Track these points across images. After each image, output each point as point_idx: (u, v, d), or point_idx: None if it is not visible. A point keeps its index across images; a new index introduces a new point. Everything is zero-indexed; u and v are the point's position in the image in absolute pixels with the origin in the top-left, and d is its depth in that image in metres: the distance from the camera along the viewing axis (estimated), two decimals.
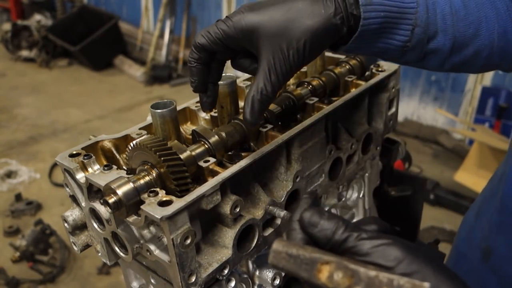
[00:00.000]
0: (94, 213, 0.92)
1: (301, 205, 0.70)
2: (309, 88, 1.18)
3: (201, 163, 0.89)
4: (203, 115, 1.16)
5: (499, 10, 0.87)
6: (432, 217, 3.85)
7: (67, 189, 0.96)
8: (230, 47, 0.84)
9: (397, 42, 0.85)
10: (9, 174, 4.56)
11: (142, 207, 0.76)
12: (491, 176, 1.10)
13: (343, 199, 1.36)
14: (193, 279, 0.83)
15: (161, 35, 7.04)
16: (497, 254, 0.93)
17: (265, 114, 1.05)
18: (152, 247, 0.85)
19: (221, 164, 0.97)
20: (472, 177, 4.10)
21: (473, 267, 1.01)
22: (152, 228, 0.87)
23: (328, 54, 1.40)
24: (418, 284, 0.53)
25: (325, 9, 0.79)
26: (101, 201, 0.80)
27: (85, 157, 0.91)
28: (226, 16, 0.83)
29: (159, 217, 0.73)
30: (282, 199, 1.00)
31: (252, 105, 0.82)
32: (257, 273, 1.09)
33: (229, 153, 1.01)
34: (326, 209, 1.27)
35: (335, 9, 0.79)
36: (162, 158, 0.82)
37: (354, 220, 1.48)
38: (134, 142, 0.89)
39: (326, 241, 0.64)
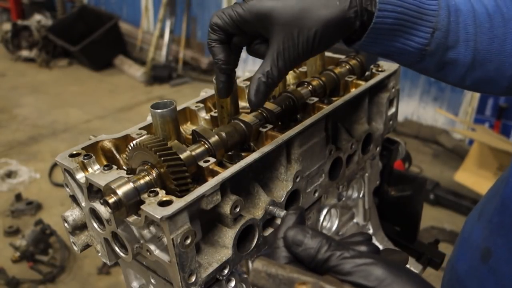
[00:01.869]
0: (94, 213, 0.92)
1: (285, 222, 0.70)
2: (309, 88, 1.18)
3: (201, 163, 0.89)
4: (203, 115, 1.16)
5: None
6: (432, 217, 3.85)
7: (67, 189, 0.96)
8: (245, 31, 0.85)
9: (415, 44, 0.84)
10: (9, 174, 4.56)
11: (142, 207, 0.76)
12: (497, 178, 1.10)
13: (343, 199, 1.36)
14: (193, 279, 0.83)
15: (161, 35, 7.04)
16: (496, 255, 0.93)
17: (265, 114, 1.05)
18: (152, 247, 0.85)
19: (221, 164, 0.97)
20: (472, 177, 4.10)
21: (472, 268, 1.01)
22: (152, 228, 0.87)
23: (328, 54, 1.40)
24: None
25: (340, 2, 0.80)
26: (101, 201, 0.80)
27: (85, 157, 0.91)
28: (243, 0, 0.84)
29: (159, 217, 0.73)
30: (282, 199, 1.00)
31: (257, 87, 0.84)
32: None
33: (229, 153, 1.01)
34: (326, 209, 1.27)
35: (350, 2, 0.80)
36: (162, 158, 0.82)
37: (355, 220, 1.48)
38: (134, 142, 0.89)
39: (309, 260, 0.64)
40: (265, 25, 0.82)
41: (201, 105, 1.17)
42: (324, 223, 1.31)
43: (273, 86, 0.85)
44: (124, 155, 0.97)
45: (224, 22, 0.84)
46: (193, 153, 0.90)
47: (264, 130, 1.01)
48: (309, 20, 0.79)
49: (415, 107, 5.30)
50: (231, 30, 0.85)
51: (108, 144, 0.99)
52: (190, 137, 1.00)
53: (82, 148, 0.95)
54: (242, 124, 1.00)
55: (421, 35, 0.83)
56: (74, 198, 0.96)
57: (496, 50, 0.85)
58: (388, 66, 1.30)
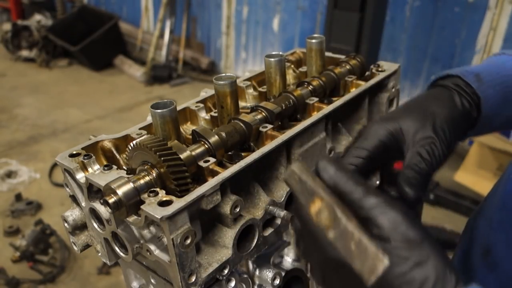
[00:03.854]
0: (94, 213, 0.92)
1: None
2: (309, 88, 1.18)
3: (201, 163, 0.89)
4: (203, 115, 1.16)
5: None
6: (432, 217, 3.85)
7: (67, 189, 0.96)
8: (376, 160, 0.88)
9: None
10: (9, 174, 4.56)
11: (142, 207, 0.76)
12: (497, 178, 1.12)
13: None
14: (193, 279, 0.83)
15: (161, 35, 7.04)
16: (495, 252, 0.94)
17: (265, 114, 1.05)
18: (152, 247, 0.85)
19: (221, 164, 0.97)
20: (472, 177, 4.10)
21: (474, 265, 1.01)
22: (152, 228, 0.87)
23: (328, 54, 1.40)
24: (380, 257, 0.56)
25: (455, 100, 0.88)
26: (101, 201, 0.80)
27: (85, 157, 0.90)
28: (360, 131, 0.89)
29: (159, 217, 0.73)
30: (282, 199, 1.00)
31: (413, 183, 0.86)
32: (257, 273, 1.09)
33: (229, 153, 1.01)
34: None
35: (459, 98, 0.88)
36: (162, 158, 0.82)
37: None
38: (134, 142, 0.89)
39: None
40: (397, 143, 0.87)
41: (201, 105, 1.17)
42: None
43: (427, 181, 0.87)
44: (124, 155, 0.97)
45: (360, 162, 0.86)
46: (193, 153, 0.90)
47: (264, 130, 1.01)
48: (437, 121, 0.87)
49: None
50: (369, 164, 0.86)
51: (108, 144, 0.99)
52: (190, 137, 1.00)
53: (82, 148, 0.95)
54: (242, 124, 1.00)
55: None
56: (74, 198, 0.96)
57: None
58: (388, 66, 1.30)
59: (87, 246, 1.00)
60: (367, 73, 1.32)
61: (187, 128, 1.16)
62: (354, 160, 0.84)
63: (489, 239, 0.97)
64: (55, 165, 4.55)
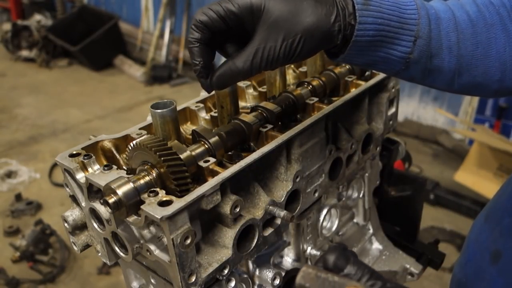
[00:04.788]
0: (94, 213, 0.92)
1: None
2: (309, 88, 1.18)
3: (201, 163, 0.89)
4: (203, 115, 1.16)
5: (510, 33, 0.85)
6: (432, 217, 3.85)
7: (67, 189, 0.96)
8: (230, 28, 0.83)
9: (399, 53, 0.84)
10: (9, 174, 4.55)
11: (142, 207, 0.76)
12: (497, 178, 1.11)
13: (343, 199, 1.36)
14: (193, 279, 0.83)
15: (161, 35, 7.03)
16: (506, 257, 0.93)
17: (265, 114, 1.05)
18: (152, 247, 0.85)
19: (221, 164, 0.97)
20: (472, 177, 4.10)
21: (481, 270, 1.00)
22: (152, 228, 0.87)
23: None
24: None
25: (326, 15, 0.79)
26: (101, 201, 0.80)
27: (85, 157, 0.91)
28: None
29: (159, 217, 0.73)
30: (282, 199, 1.00)
31: (223, 72, 0.83)
32: (257, 273, 1.09)
33: (229, 153, 1.01)
34: (326, 209, 1.27)
35: (336, 16, 0.80)
36: (162, 158, 0.82)
37: (355, 220, 1.48)
38: (134, 142, 0.89)
39: None
40: (254, 21, 0.81)
41: (201, 105, 1.17)
42: (324, 223, 1.31)
43: (236, 79, 0.83)
44: (124, 155, 0.97)
45: (211, 18, 0.81)
46: (193, 153, 0.90)
47: (264, 130, 1.01)
48: (296, 25, 0.79)
49: (415, 107, 5.30)
50: (217, 27, 0.82)
51: (108, 144, 0.99)
52: (190, 137, 1.00)
53: (82, 148, 0.95)
54: (242, 124, 1.00)
55: (403, 44, 0.83)
56: (74, 198, 0.96)
57: (481, 55, 0.86)
58: None
59: (87, 246, 1.00)
60: (367, 73, 1.32)
61: (187, 128, 1.16)
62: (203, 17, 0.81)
63: (498, 244, 0.96)
64: (55, 165, 4.55)
